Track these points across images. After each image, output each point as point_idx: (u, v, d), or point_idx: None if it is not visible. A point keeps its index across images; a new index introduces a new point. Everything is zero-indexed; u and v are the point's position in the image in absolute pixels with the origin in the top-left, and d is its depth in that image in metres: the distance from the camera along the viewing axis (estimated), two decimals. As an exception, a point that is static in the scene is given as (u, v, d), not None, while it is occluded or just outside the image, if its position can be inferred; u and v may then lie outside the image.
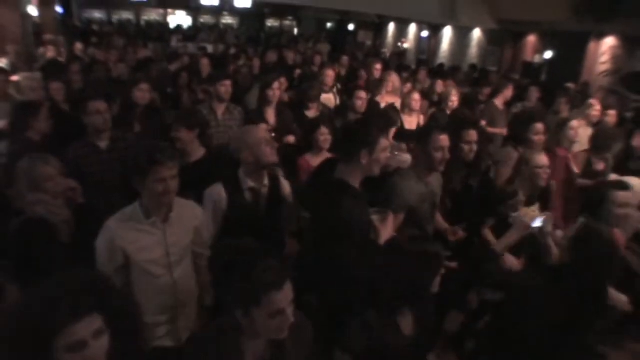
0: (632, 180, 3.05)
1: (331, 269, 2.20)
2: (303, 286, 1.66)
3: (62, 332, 1.20)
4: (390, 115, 4.58)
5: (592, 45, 10.41)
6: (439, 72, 9.77)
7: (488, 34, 13.59)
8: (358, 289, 2.07)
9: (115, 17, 21.98)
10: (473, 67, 12.49)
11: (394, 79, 5.48)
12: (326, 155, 3.54)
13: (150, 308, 2.13)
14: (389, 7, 12.13)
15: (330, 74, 5.55)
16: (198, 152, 3.28)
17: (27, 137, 3.32)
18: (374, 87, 5.60)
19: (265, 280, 1.43)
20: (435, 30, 15.55)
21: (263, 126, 3.47)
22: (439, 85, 6.56)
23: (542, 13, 10.48)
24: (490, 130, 5.49)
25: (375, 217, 2.40)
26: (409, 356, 1.89)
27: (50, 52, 7.64)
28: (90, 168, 3.14)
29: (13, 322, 1.22)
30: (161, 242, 2.15)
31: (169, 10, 22.84)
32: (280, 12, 23.66)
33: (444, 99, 5.48)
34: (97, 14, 21.90)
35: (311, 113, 4.58)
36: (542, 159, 3.08)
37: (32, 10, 10.40)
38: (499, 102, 5.83)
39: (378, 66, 6.55)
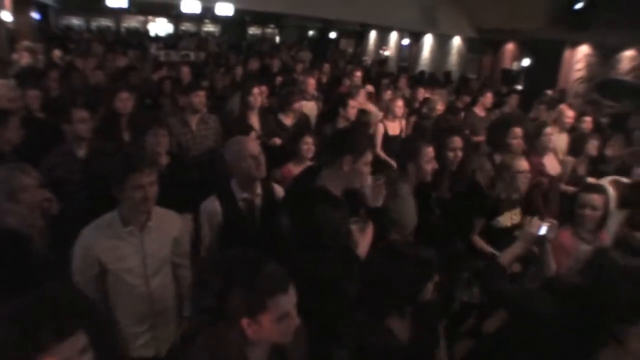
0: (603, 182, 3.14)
1: (307, 277, 2.17)
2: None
3: (47, 351, 1.18)
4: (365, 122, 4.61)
5: (567, 53, 10.68)
6: (420, 79, 9.88)
7: (468, 42, 13.82)
8: (337, 297, 2.05)
9: (94, 24, 21.69)
10: (447, 74, 12.68)
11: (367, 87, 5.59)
12: (309, 164, 3.52)
13: (127, 317, 2.11)
14: (370, 15, 12.25)
15: (311, 82, 5.58)
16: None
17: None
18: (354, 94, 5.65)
19: (271, 285, 1.46)
20: (416, 38, 15.75)
21: (254, 137, 3.47)
22: (420, 93, 6.63)
23: (520, 22, 10.73)
24: (475, 139, 5.51)
25: (354, 227, 2.37)
26: (405, 358, 1.87)
27: (24, 59, 7.48)
28: (68, 176, 3.10)
29: None
30: (138, 251, 2.13)
31: (150, 18, 22.65)
32: (262, 19, 23.65)
33: (430, 107, 5.54)
34: (75, 21, 21.59)
35: (288, 120, 4.57)
36: (523, 164, 3.13)
37: (6, 16, 10.19)
38: (478, 109, 5.90)
39: (358, 74, 6.61)
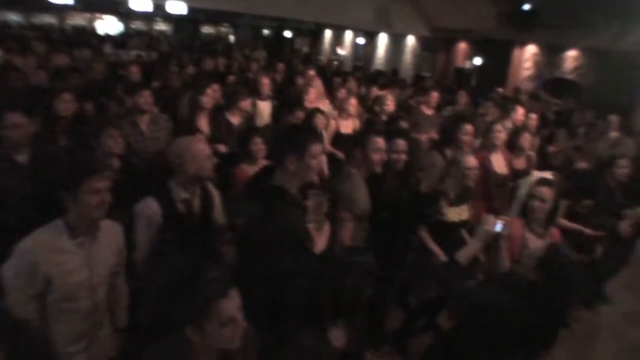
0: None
1: (265, 277, 2.12)
2: (242, 294, 1.61)
3: None
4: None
5: (516, 52, 11.10)
6: (374, 78, 9.97)
7: (422, 41, 14.11)
8: (293, 298, 2.00)
9: (36, 21, 20.59)
10: (394, 71, 12.90)
11: (317, 84, 5.56)
12: (263, 163, 3.46)
13: (65, 336, 1.98)
14: (325, 14, 12.29)
15: (265, 82, 5.51)
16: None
17: None
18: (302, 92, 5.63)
19: (210, 291, 1.45)
20: (371, 37, 15.92)
21: (201, 137, 3.37)
22: (374, 92, 6.68)
23: (472, 22, 11.07)
24: (419, 136, 5.46)
25: (311, 225, 2.35)
26: None
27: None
28: (7, 184, 2.85)
29: None
30: (86, 264, 2.01)
31: (97, 15, 21.77)
32: (215, 18, 23.22)
33: (378, 103, 5.55)
34: (14, 17, 20.41)
35: (235, 119, 4.47)
36: (472, 160, 3.19)
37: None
38: (424, 108, 5.98)
39: (311, 72, 6.58)
